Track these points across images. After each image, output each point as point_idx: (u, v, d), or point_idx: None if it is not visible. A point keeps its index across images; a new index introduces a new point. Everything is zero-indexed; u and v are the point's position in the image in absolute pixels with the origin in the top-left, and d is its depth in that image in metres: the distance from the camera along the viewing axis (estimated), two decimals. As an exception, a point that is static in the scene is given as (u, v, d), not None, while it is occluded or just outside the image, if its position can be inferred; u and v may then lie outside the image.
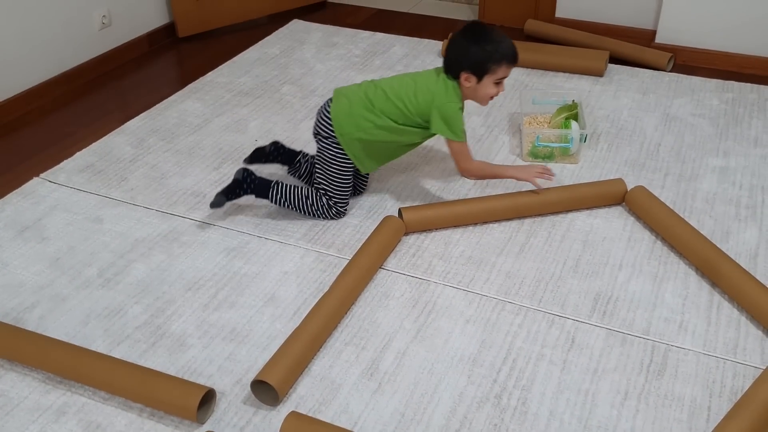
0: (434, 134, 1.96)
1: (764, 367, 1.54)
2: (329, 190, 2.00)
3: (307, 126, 2.52)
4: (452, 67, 1.89)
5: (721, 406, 1.47)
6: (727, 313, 1.70)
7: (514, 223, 2.02)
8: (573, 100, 2.40)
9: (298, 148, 2.18)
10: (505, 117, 2.54)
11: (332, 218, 2.04)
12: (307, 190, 2.03)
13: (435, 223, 2.00)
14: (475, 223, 2.02)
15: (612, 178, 2.18)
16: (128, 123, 2.57)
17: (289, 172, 2.20)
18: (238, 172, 2.03)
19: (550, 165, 2.25)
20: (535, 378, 1.55)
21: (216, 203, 2.00)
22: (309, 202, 2.02)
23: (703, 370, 1.55)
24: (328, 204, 2.01)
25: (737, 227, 1.98)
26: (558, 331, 1.67)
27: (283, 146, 2.17)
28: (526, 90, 2.66)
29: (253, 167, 2.11)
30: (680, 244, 1.88)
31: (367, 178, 2.16)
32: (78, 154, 2.39)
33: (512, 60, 1.87)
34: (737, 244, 1.91)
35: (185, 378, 1.57)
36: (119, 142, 2.46)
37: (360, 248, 1.88)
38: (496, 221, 2.02)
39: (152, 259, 1.93)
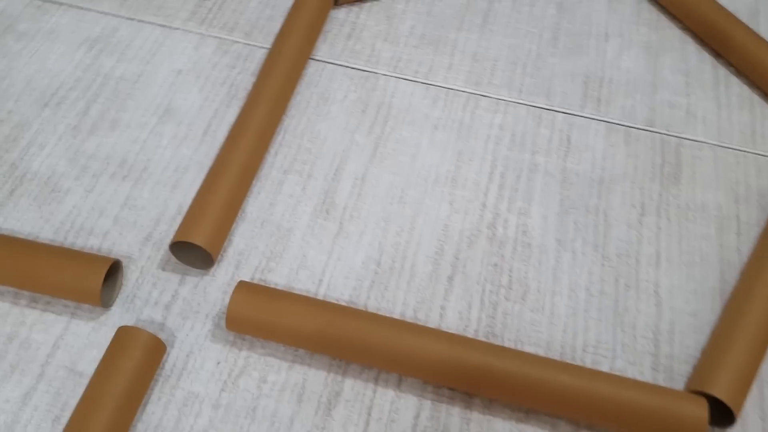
0: None
1: (787, 158, 1.32)
2: None
3: None
4: None
5: (751, 214, 1.24)
6: (737, 91, 1.42)
7: (470, -16, 1.57)
8: None
9: None
10: None
11: None
12: None
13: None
14: (423, -14, 1.55)
15: None
16: None
17: None
18: None
19: None
20: (532, 197, 1.24)
21: None
22: None
23: (722, 169, 1.30)
24: None
25: (732, -24, 1.64)
26: (549, 131, 1.33)
27: None
28: None
29: None
30: (672, 1, 1.53)
31: None
32: None
33: None
34: (734, 0, 1.58)
35: (70, 243, 1.13)
36: None
37: (280, 31, 1.39)
38: (449, -18, 1.56)
39: (-20, 65, 1.35)
